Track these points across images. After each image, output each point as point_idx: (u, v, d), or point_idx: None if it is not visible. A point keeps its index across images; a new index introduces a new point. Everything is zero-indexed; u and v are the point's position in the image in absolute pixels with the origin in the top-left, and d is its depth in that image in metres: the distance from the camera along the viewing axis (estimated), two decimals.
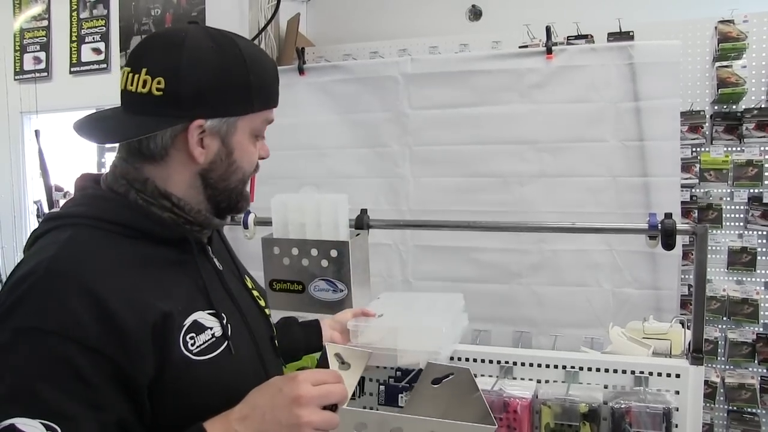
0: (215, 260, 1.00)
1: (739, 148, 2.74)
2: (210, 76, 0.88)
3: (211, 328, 0.90)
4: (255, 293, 1.10)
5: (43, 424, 0.71)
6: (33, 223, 3.64)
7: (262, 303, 1.10)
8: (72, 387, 0.75)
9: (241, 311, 0.99)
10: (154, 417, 0.84)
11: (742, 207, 2.77)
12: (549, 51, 2.68)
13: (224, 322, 0.92)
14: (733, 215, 2.80)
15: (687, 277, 2.70)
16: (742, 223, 2.78)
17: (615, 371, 1.53)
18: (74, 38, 3.77)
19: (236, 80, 0.90)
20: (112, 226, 0.88)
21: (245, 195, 1.00)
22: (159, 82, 0.87)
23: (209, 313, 0.91)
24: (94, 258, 0.84)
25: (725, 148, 2.76)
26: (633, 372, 1.52)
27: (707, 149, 2.77)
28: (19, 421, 0.71)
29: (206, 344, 0.88)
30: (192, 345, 0.86)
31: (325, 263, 1.56)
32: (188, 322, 0.87)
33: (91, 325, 0.76)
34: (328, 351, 0.93)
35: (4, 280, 3.61)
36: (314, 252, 1.56)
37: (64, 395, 0.74)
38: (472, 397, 1.00)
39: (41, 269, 0.80)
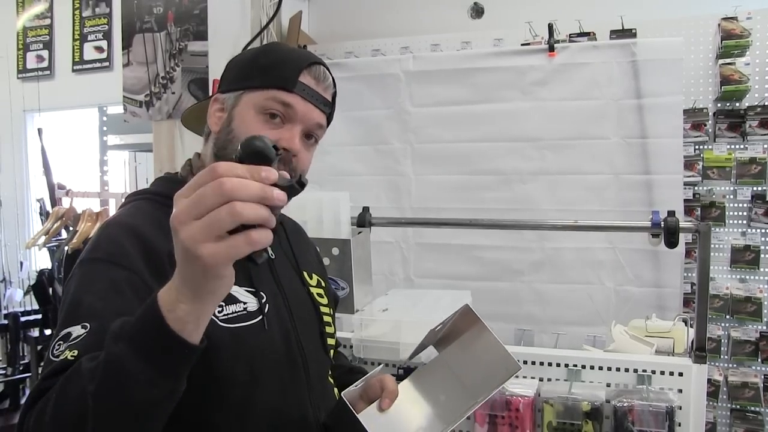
0: (268, 248, 1.03)
1: (742, 146, 2.73)
2: (234, 64, 1.07)
3: (245, 303, 0.97)
4: (316, 290, 1.15)
5: (81, 326, 0.82)
6: (36, 221, 3.64)
7: (322, 300, 1.15)
8: (106, 295, 0.86)
9: (285, 297, 1.04)
10: None
11: (745, 205, 2.76)
12: (551, 48, 2.68)
13: (263, 300, 0.99)
14: (736, 213, 2.79)
15: (690, 275, 2.69)
16: (745, 221, 2.77)
17: (617, 369, 1.53)
18: (77, 36, 3.77)
19: (247, 62, 1.04)
20: (166, 199, 0.99)
21: None
22: None
23: (247, 290, 0.98)
24: (141, 215, 0.98)
25: (728, 146, 2.75)
26: (636, 370, 1.52)
27: (710, 147, 2.77)
28: (68, 330, 0.81)
29: (235, 314, 0.95)
30: (219, 312, 0.93)
31: (326, 261, 1.56)
32: None
33: (128, 249, 0.90)
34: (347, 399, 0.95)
35: (5, 277, 3.61)
36: None
37: (99, 301, 0.85)
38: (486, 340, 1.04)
39: (103, 224, 1.00)
